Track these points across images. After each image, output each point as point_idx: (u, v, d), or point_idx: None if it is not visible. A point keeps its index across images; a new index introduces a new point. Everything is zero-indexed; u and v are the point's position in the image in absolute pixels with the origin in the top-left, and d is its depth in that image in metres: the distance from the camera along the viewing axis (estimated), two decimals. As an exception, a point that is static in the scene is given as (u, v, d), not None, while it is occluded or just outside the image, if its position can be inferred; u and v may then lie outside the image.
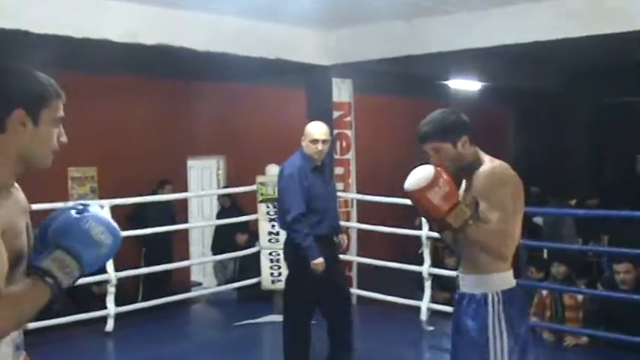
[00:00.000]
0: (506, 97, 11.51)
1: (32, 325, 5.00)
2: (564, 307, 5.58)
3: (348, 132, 7.23)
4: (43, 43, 5.42)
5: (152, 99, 7.86)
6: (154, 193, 7.04)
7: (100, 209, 1.75)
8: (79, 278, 1.64)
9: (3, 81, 1.64)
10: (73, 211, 1.68)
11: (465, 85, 9.85)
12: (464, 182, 2.63)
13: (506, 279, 2.52)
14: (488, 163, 2.51)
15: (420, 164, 2.48)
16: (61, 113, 1.71)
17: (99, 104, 7.36)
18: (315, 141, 4.25)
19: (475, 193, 2.47)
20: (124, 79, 7.49)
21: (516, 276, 2.57)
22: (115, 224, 1.72)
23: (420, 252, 6.11)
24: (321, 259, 4.21)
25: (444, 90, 9.76)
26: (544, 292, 5.67)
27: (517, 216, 2.49)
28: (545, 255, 6.70)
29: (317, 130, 4.31)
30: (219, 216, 7.77)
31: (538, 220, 8.07)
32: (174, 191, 7.17)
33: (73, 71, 6.94)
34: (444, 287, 6.17)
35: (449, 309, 4.36)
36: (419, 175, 2.40)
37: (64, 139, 1.72)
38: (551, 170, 10.86)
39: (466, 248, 2.53)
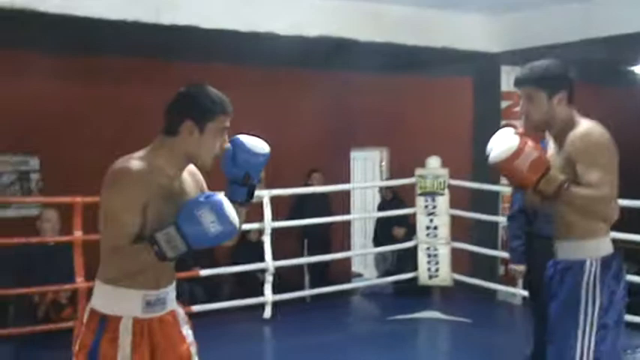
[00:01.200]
0: None
1: (198, 308, 5.31)
2: None
3: (517, 123, 6.79)
4: (213, 37, 5.67)
5: (317, 91, 7.94)
6: (305, 184, 7.11)
7: (225, 202, 1.96)
8: (189, 253, 1.98)
9: (182, 98, 2.07)
10: (201, 197, 1.99)
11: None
12: (551, 144, 2.49)
13: (606, 244, 2.37)
14: (584, 124, 2.37)
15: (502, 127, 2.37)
16: (226, 125, 2.09)
17: (265, 97, 7.57)
18: None
19: (571, 155, 2.34)
20: (289, 71, 7.62)
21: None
22: (231, 217, 1.96)
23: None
24: (520, 267, 3.89)
25: (631, 77, 8.86)
26: None
27: (614, 178, 2.34)
28: None
29: None
30: (380, 208, 7.70)
31: None
32: (335, 182, 7.17)
33: (238, 64, 7.21)
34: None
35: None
36: (503, 146, 2.30)
37: (227, 145, 2.12)
38: None
39: (564, 213, 2.39)
